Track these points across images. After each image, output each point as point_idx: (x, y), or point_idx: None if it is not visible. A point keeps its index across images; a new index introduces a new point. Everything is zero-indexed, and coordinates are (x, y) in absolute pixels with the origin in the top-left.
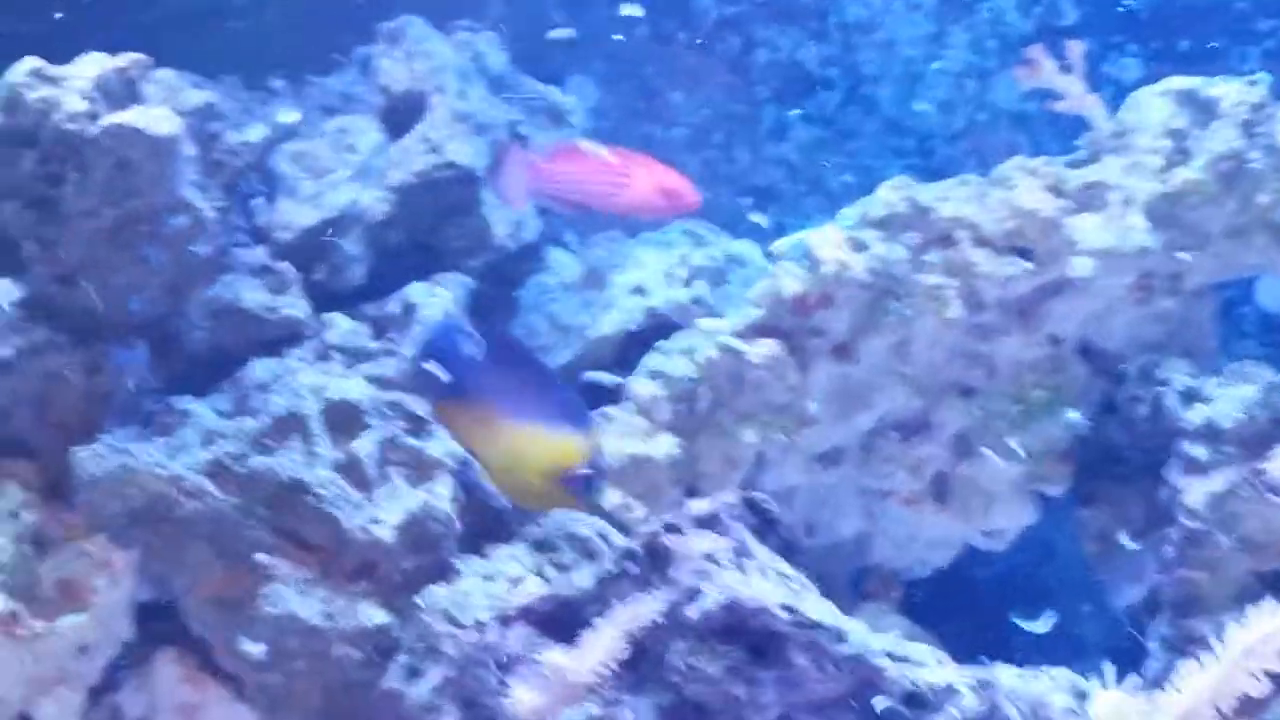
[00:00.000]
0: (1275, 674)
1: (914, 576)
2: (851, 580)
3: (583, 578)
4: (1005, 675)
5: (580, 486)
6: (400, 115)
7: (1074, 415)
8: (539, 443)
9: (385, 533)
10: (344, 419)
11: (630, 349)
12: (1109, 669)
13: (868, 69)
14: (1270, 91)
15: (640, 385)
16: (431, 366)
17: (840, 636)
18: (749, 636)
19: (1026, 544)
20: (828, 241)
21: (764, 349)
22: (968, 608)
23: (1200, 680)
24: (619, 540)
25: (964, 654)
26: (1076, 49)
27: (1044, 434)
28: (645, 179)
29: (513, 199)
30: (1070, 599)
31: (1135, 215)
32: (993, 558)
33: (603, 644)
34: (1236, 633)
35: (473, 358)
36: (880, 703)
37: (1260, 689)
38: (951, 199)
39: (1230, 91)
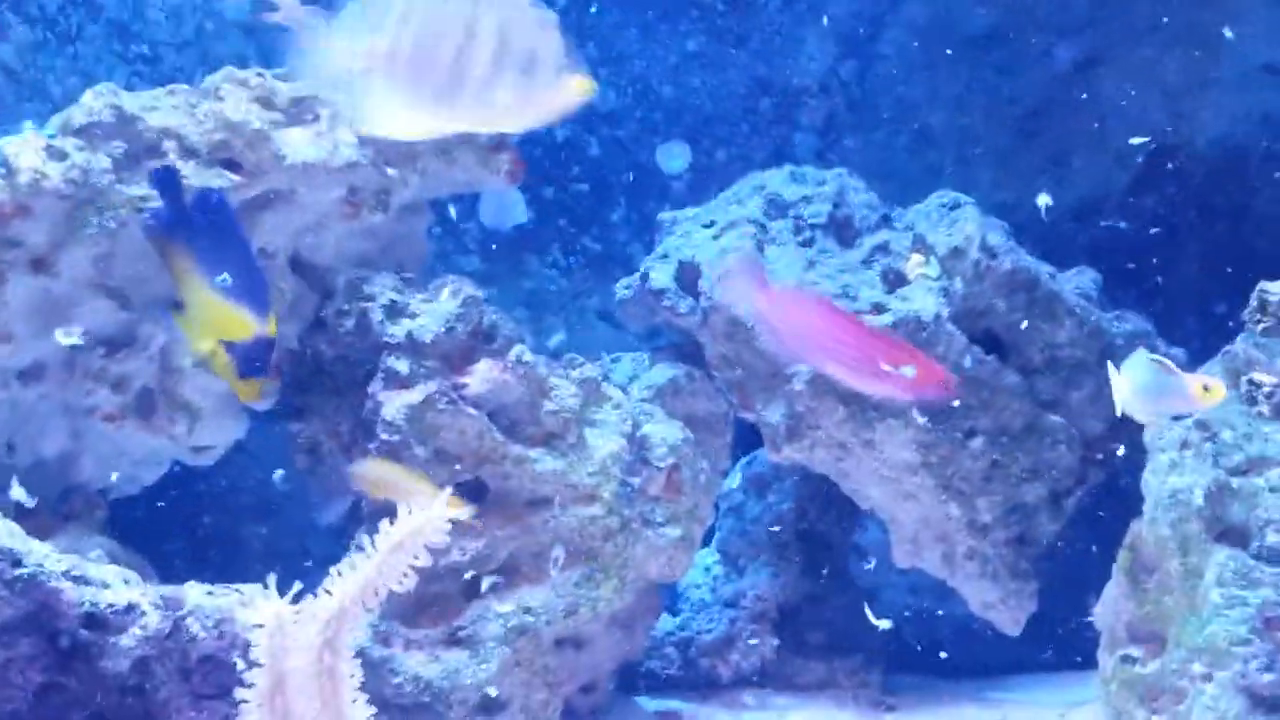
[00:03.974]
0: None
1: (123, 494)
2: (56, 500)
3: None
4: (194, 593)
5: (240, 361)
6: None
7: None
8: (216, 310)
9: None
10: None
11: None
12: (271, 580)
13: None
14: None
15: None
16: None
17: (15, 559)
18: None
19: (258, 456)
20: (25, 149)
21: None
22: (190, 524)
23: (350, 579)
24: None
25: (185, 570)
26: None
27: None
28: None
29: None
30: (297, 510)
31: (343, 130)
32: (214, 472)
33: None
34: (387, 531)
35: (185, 205)
36: None
37: (408, 582)
38: (159, 108)
39: None
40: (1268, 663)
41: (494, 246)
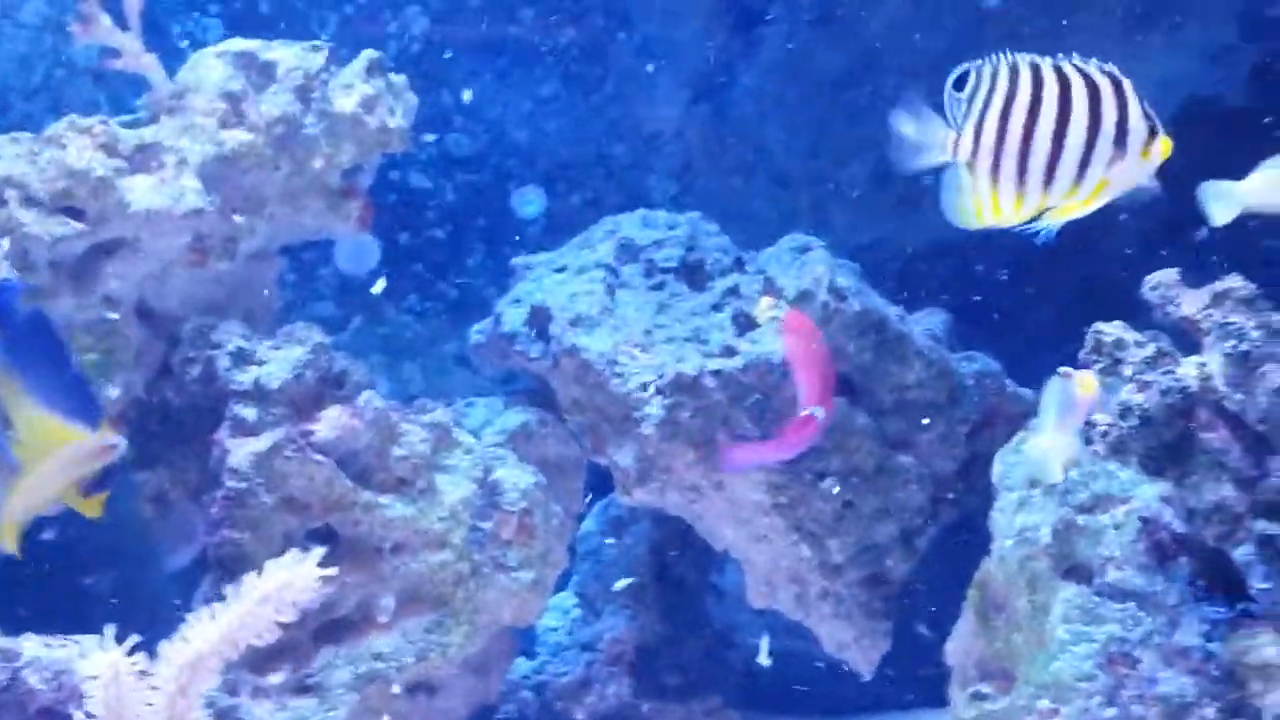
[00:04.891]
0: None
1: None
2: None
3: None
4: (30, 644)
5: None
6: None
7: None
8: (49, 429)
9: None
10: None
11: None
12: (109, 631)
13: None
14: (330, 58)
15: None
16: None
17: None
18: None
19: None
20: None
21: None
22: (35, 574)
23: (210, 627)
24: None
25: (30, 622)
26: (134, 6)
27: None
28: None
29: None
30: (137, 560)
31: (189, 177)
32: (61, 521)
33: None
34: (253, 581)
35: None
36: None
37: (272, 634)
38: (2, 157)
39: (289, 56)
40: (1110, 698)
41: (349, 293)
